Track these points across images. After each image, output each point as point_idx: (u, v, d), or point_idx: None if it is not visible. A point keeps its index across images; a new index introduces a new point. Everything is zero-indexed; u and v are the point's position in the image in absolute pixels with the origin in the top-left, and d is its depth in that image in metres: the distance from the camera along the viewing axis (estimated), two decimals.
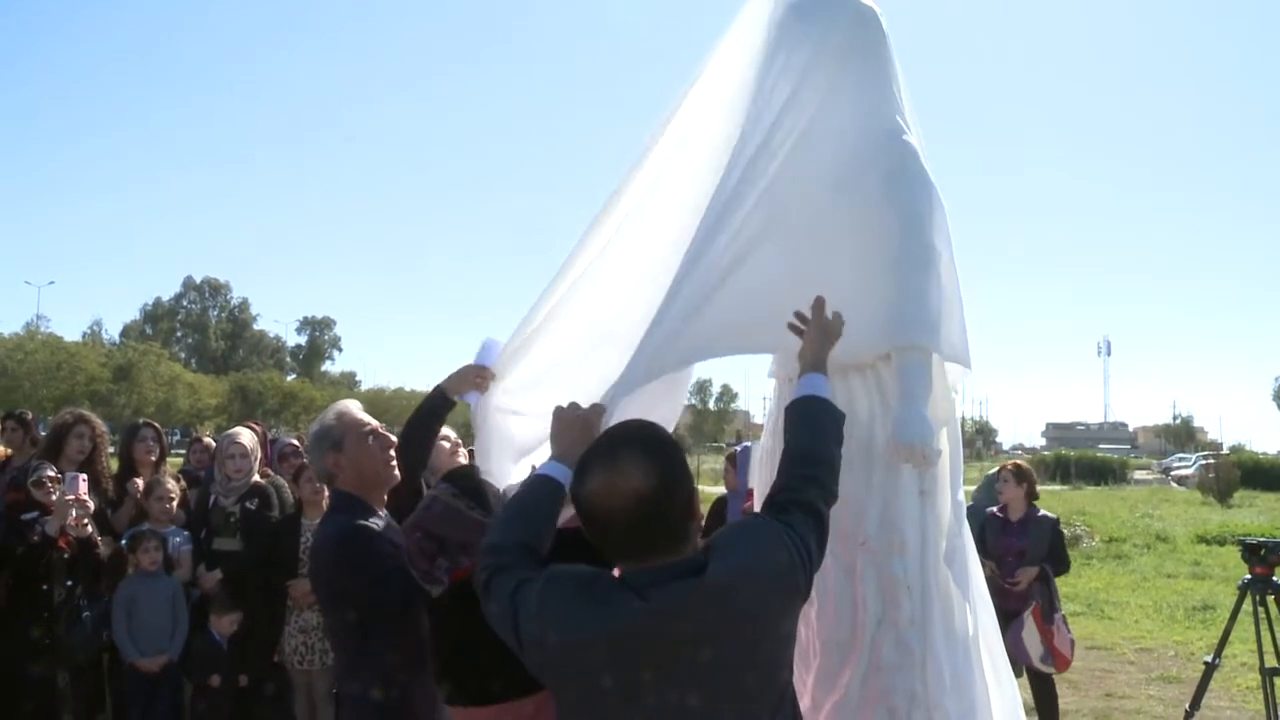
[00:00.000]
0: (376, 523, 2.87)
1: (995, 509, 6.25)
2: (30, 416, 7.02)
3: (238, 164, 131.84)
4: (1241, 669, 7.80)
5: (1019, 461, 6.52)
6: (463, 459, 3.64)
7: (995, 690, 3.19)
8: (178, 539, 5.67)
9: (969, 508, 6.76)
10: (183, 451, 8.87)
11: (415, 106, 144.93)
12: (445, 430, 3.65)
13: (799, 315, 2.69)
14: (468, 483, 2.51)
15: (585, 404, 2.51)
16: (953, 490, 3.22)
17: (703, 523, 6.44)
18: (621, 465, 1.86)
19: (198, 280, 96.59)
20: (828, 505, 2.18)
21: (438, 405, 3.37)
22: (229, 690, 5.38)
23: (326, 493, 5.60)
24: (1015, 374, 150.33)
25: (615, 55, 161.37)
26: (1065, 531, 6.90)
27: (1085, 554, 14.98)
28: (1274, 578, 5.21)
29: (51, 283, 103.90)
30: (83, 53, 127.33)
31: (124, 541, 5.52)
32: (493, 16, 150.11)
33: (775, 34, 3.18)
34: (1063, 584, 7.35)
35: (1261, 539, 5.45)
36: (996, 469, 6.70)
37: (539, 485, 2.20)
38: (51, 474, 5.25)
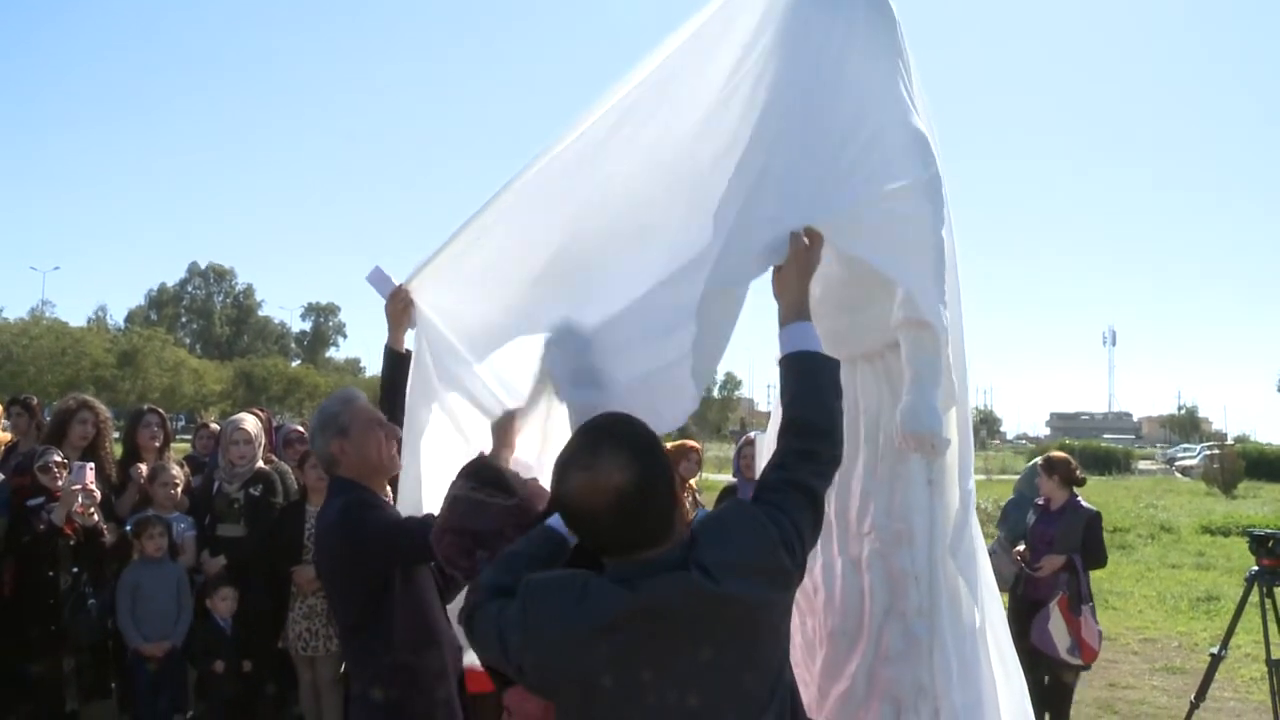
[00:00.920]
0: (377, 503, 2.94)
1: (1039, 499, 6.22)
2: (35, 402, 7.02)
3: (243, 150, 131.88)
4: (1246, 660, 7.79)
5: (1053, 454, 6.45)
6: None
7: (1003, 682, 3.17)
8: (182, 525, 5.67)
9: (1011, 499, 6.72)
10: (188, 437, 8.89)
11: (421, 93, 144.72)
12: None
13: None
14: (487, 474, 2.50)
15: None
16: (961, 480, 3.20)
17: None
18: (600, 463, 1.85)
19: (202, 266, 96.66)
20: (825, 480, 2.11)
21: (395, 366, 3.26)
22: (233, 676, 5.39)
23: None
24: (1020, 363, 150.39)
25: (619, 46, 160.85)
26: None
27: None
28: None
29: (56, 268, 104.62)
30: (87, 38, 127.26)
31: (128, 527, 5.52)
32: (502, 6, 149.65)
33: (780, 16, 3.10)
34: None
35: (1269, 530, 5.44)
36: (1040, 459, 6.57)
37: (543, 540, 2.14)
38: (58, 459, 5.25)
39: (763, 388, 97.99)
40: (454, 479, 2.54)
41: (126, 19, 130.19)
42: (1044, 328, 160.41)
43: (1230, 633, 5.42)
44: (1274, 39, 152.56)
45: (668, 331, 2.67)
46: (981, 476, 36.45)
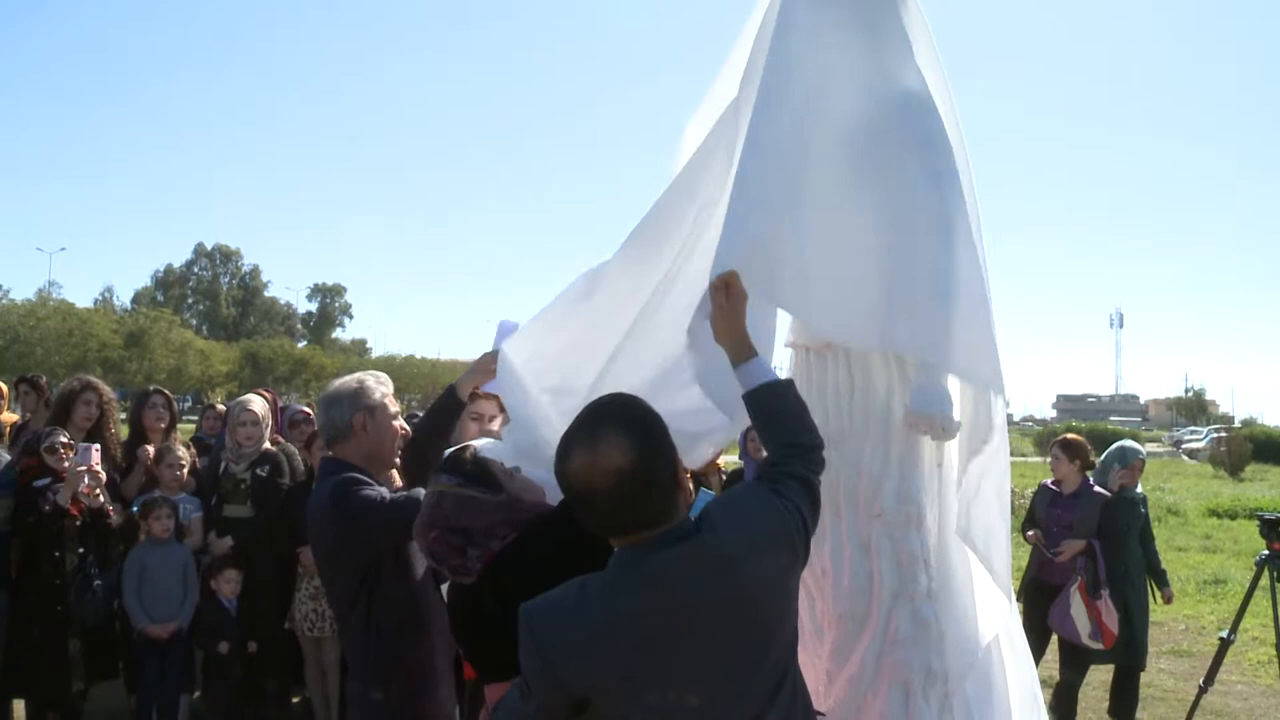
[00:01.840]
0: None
1: (1049, 481, 6.20)
2: (43, 380, 7.02)
3: (249, 131, 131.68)
4: (1253, 643, 7.78)
5: (1069, 435, 6.40)
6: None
7: (1013, 667, 3.16)
8: (189, 506, 5.67)
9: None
10: (194, 419, 8.91)
11: (428, 72, 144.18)
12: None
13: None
14: (471, 469, 2.42)
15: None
16: (996, 473, 3.18)
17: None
18: (600, 444, 1.84)
19: (209, 247, 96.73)
20: (815, 474, 2.21)
21: (450, 404, 3.15)
22: (238, 656, 5.40)
23: None
24: (1027, 345, 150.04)
25: (621, 18, 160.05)
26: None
27: None
28: None
29: (63, 249, 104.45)
30: (94, 19, 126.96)
31: (135, 508, 5.52)
32: None
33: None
34: None
35: None
36: (1129, 455, 6.38)
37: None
38: (64, 440, 5.24)
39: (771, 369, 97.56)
40: (435, 474, 2.47)
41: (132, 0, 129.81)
42: (1051, 309, 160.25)
43: (1240, 617, 5.40)
44: None
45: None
46: None
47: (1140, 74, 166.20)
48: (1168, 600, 6.22)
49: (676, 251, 3.02)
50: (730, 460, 8.80)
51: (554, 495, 2.33)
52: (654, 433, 1.89)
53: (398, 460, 3.18)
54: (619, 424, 1.87)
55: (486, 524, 2.34)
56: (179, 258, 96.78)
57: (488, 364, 3.07)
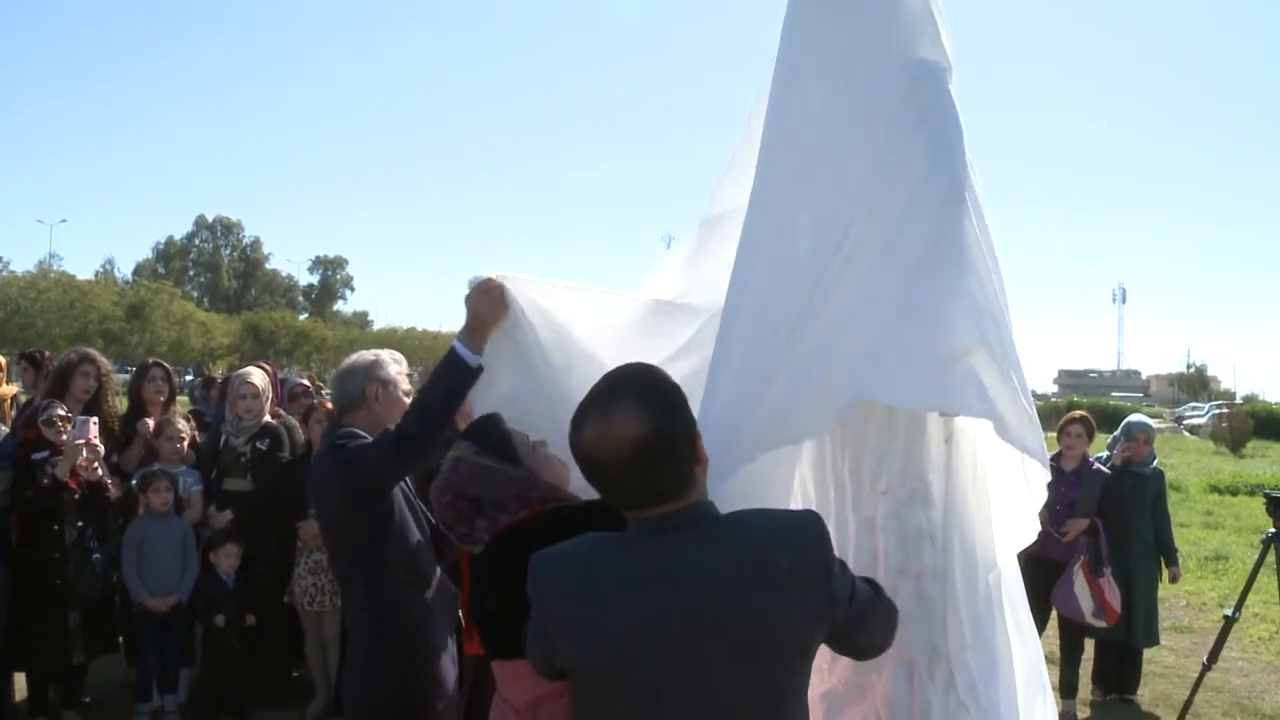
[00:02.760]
0: None
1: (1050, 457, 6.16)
2: (46, 355, 6.99)
3: (250, 103, 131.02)
4: (1254, 619, 7.79)
5: (1084, 413, 6.37)
6: None
7: (1018, 645, 3.13)
8: (189, 479, 5.64)
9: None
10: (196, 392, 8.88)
11: (430, 45, 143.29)
12: None
13: None
14: (491, 438, 2.40)
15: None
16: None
17: None
18: (615, 413, 1.78)
19: (210, 219, 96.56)
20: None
21: (462, 377, 2.70)
22: (236, 630, 5.39)
23: None
24: (1028, 320, 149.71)
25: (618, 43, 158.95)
26: None
27: None
28: None
29: (63, 221, 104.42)
30: None
31: (134, 482, 5.50)
32: None
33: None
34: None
35: None
36: (1135, 427, 6.34)
37: None
38: (62, 413, 5.21)
39: None
40: (458, 440, 2.45)
41: None
42: (1054, 284, 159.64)
43: (1245, 595, 5.38)
44: None
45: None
46: None
47: (1145, 49, 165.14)
48: (1173, 579, 6.19)
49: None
50: None
51: (578, 481, 2.29)
52: (672, 402, 1.83)
53: None
54: (636, 392, 1.81)
55: (498, 495, 2.32)
56: (180, 230, 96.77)
57: (492, 300, 2.71)
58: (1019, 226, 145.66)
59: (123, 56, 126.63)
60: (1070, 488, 5.89)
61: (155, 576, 5.31)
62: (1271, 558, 5.26)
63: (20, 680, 5.43)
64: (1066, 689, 5.75)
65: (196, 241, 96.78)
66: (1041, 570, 5.69)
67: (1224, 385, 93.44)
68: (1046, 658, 3.29)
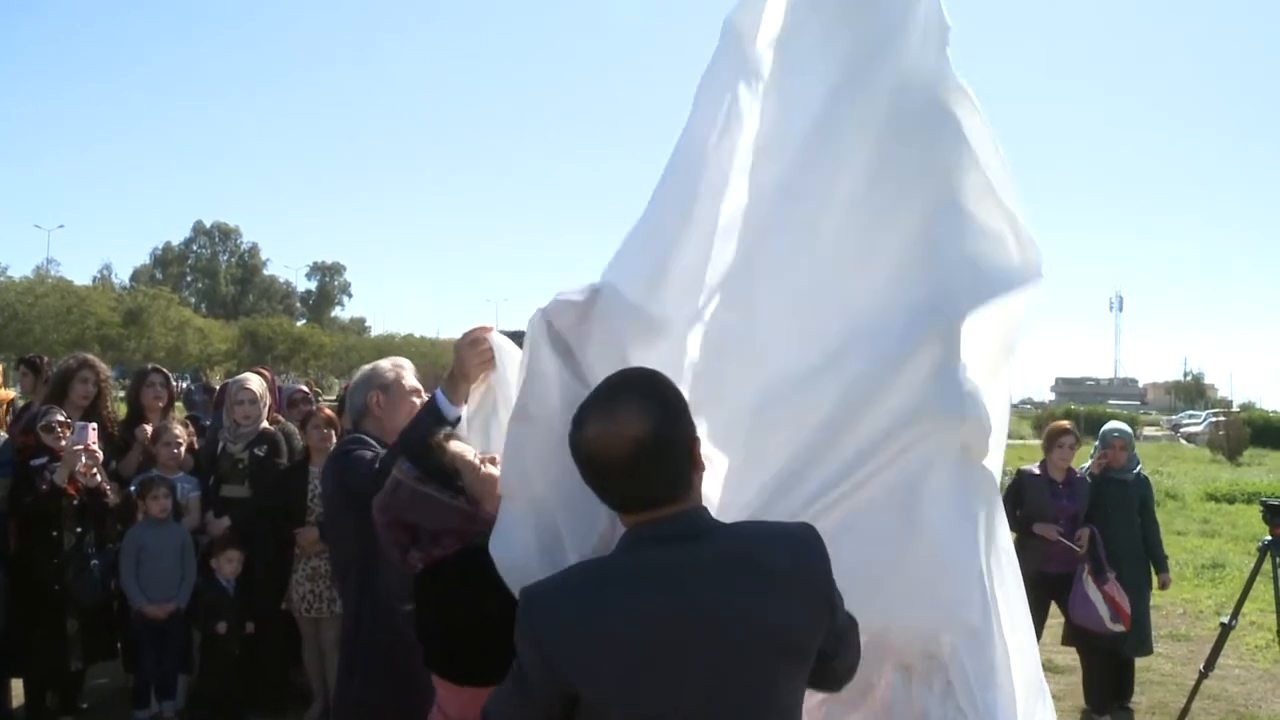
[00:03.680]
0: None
1: (1035, 468, 6.07)
2: (45, 360, 6.99)
3: (248, 109, 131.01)
4: (1251, 628, 7.78)
5: (1063, 423, 6.34)
6: None
7: (1015, 651, 3.13)
8: (186, 485, 5.64)
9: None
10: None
11: (429, 49, 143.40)
12: None
13: None
14: (433, 461, 2.32)
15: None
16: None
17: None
18: (619, 412, 1.78)
19: (208, 225, 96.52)
20: None
21: (441, 426, 2.61)
22: (236, 637, 5.38)
23: (334, 438, 5.62)
24: (1026, 327, 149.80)
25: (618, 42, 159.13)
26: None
27: None
28: None
29: (61, 226, 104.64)
30: None
31: (132, 488, 5.49)
32: None
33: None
34: None
35: None
36: (1112, 435, 6.30)
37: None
38: (61, 419, 5.22)
39: None
40: (399, 459, 2.37)
41: None
42: (1051, 292, 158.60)
43: (1241, 603, 5.39)
44: None
45: None
46: None
47: (1142, 56, 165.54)
48: (1163, 586, 6.16)
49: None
50: None
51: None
52: (673, 406, 1.83)
53: None
54: (639, 393, 1.81)
55: (435, 529, 2.26)
56: (178, 235, 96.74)
57: (478, 354, 2.68)
58: None
59: (120, 61, 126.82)
60: (1069, 500, 5.87)
61: (153, 583, 5.31)
62: (1268, 565, 5.27)
63: (18, 686, 5.42)
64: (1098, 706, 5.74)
65: (194, 247, 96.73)
66: (1044, 587, 5.62)
67: (1221, 393, 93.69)
68: (1045, 665, 3.28)
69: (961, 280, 2.57)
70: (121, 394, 6.83)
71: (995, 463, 3.04)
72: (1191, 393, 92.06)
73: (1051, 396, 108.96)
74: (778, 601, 1.75)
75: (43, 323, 46.44)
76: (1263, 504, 5.38)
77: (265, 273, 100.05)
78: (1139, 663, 6.28)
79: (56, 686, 5.32)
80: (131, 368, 34.97)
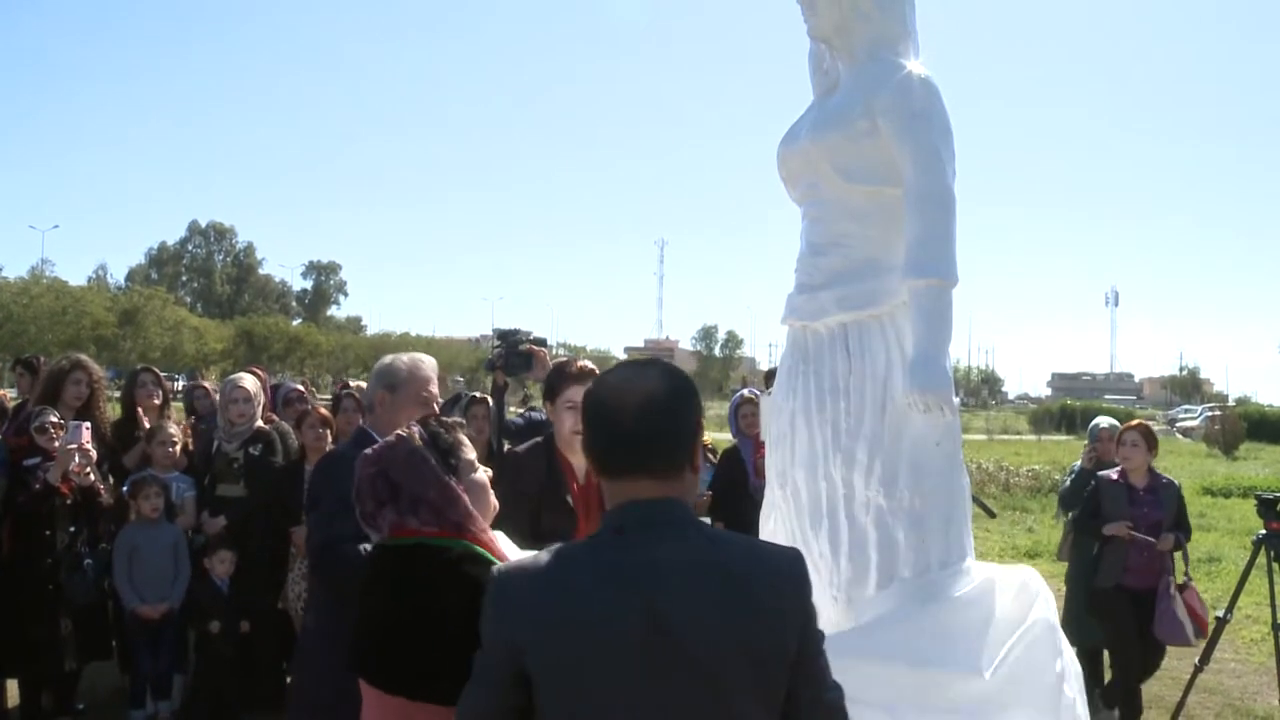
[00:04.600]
0: None
1: (1114, 474, 5.67)
2: (41, 361, 6.98)
3: (243, 108, 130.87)
4: (1246, 621, 7.79)
5: (1144, 421, 5.89)
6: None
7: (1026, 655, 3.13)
8: (181, 485, 5.63)
9: (1075, 472, 6.42)
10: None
11: (426, 45, 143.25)
12: None
13: None
14: (443, 440, 2.28)
15: None
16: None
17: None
18: (645, 369, 1.86)
19: (203, 224, 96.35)
20: None
21: None
22: (231, 636, 5.37)
23: (329, 438, 5.61)
24: (1022, 323, 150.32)
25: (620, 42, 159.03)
26: (1067, 483, 6.69)
27: None
28: None
29: (56, 227, 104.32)
30: None
31: (125, 488, 5.48)
32: None
33: None
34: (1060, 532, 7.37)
35: (1279, 494, 5.37)
36: (1098, 429, 6.20)
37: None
38: (54, 419, 5.20)
39: (764, 346, 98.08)
40: (413, 422, 2.35)
41: None
42: (1046, 287, 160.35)
43: (1236, 596, 5.39)
44: None
45: None
46: (982, 437, 36.56)
47: (1137, 53, 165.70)
48: None
49: None
50: (720, 438, 8.78)
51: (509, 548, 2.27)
52: (693, 393, 1.88)
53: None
54: (667, 367, 1.89)
55: (419, 493, 2.20)
56: (173, 235, 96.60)
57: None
58: (1011, 230, 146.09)
59: (115, 62, 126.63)
60: (1151, 507, 5.53)
61: (147, 583, 5.29)
62: (1263, 559, 5.27)
63: (13, 687, 5.41)
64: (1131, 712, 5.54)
65: (189, 247, 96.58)
66: (1127, 601, 5.42)
67: (1217, 387, 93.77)
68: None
69: None
70: (118, 394, 6.81)
71: None
72: (1187, 387, 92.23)
73: (1048, 392, 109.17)
74: (745, 619, 1.70)
75: (38, 323, 46.32)
76: (1258, 498, 5.38)
77: (261, 272, 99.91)
78: None
79: (51, 687, 5.30)
80: (127, 368, 34.93)
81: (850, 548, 3.11)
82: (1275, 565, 5.16)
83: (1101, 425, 6.16)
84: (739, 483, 5.98)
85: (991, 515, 6.99)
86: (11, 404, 6.67)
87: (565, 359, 3.61)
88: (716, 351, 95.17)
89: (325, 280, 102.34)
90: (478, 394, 5.77)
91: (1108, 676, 5.90)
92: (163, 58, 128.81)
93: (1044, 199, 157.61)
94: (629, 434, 1.79)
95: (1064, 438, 38.06)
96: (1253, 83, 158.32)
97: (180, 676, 5.50)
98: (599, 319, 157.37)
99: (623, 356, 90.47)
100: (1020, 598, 3.06)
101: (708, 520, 4.22)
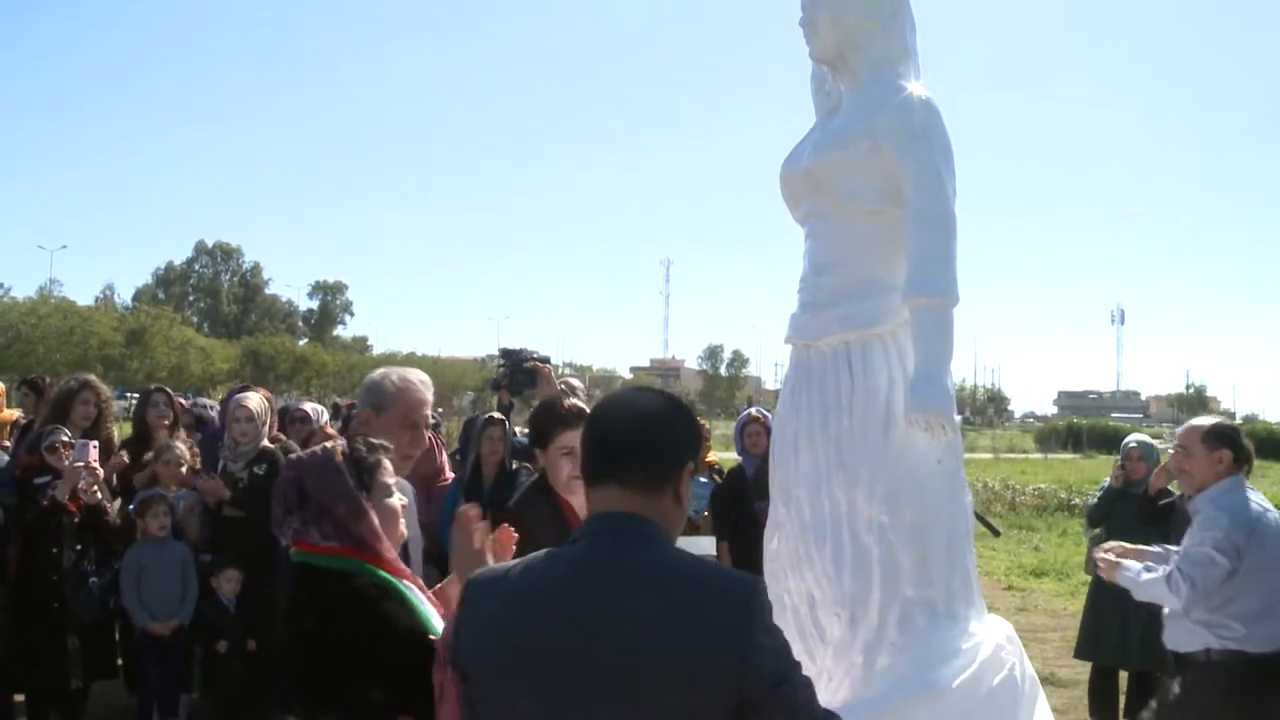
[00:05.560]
0: None
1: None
2: (47, 381, 7.03)
3: (250, 128, 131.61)
4: None
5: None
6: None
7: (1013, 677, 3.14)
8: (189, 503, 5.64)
9: (1104, 489, 6.29)
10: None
11: (428, 69, 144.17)
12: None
13: None
14: (365, 463, 2.24)
15: None
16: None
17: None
18: (644, 394, 1.91)
19: (210, 244, 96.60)
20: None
21: None
22: (238, 655, 5.38)
23: None
24: (1028, 341, 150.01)
25: (625, 14, 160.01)
26: (1077, 501, 6.63)
27: None
28: None
29: (64, 247, 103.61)
30: (93, 15, 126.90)
31: (132, 507, 5.51)
32: None
33: None
34: (1076, 552, 7.32)
35: None
36: (1129, 447, 5.99)
37: None
38: (65, 439, 5.24)
39: (770, 366, 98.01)
40: (350, 436, 2.32)
41: None
42: (1052, 305, 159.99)
43: None
44: None
45: None
46: (989, 455, 36.41)
47: (1143, 69, 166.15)
48: None
49: None
50: (726, 457, 8.78)
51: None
52: (685, 416, 1.88)
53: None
54: (668, 396, 1.92)
55: (326, 504, 2.17)
56: (180, 255, 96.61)
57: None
58: (1017, 247, 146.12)
59: (122, 82, 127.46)
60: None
61: (155, 601, 5.31)
62: None
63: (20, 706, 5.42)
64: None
65: (196, 267, 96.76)
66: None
67: (1224, 405, 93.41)
68: (1046, 679, 3.27)
69: None
70: (127, 413, 6.86)
71: None
72: (1194, 405, 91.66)
73: (1054, 410, 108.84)
74: (676, 634, 1.63)
75: (46, 343, 46.44)
76: None
77: (267, 292, 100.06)
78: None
79: (58, 705, 5.31)
80: (134, 388, 35.01)
81: (853, 565, 3.12)
82: None
83: (1132, 444, 6.12)
84: (743, 501, 5.98)
85: (996, 534, 6.99)
86: (15, 419, 6.70)
87: (550, 400, 3.36)
88: (722, 370, 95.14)
89: (331, 300, 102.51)
90: (494, 415, 5.77)
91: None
92: (171, 78, 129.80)
93: (1050, 216, 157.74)
94: (610, 440, 1.81)
95: (1070, 456, 37.90)
96: (1261, 100, 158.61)
97: (186, 696, 5.51)
98: (605, 338, 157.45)
99: (628, 376, 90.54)
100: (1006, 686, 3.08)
101: (711, 538, 4.21)
